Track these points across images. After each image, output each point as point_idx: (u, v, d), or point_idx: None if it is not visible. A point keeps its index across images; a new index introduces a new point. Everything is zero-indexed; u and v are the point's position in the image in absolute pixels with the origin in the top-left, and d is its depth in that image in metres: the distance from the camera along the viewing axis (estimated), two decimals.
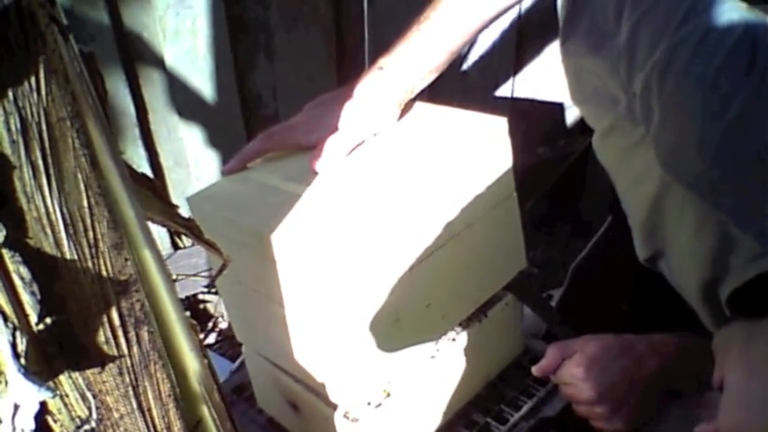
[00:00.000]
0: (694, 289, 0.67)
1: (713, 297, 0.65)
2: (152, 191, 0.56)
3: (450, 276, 0.86)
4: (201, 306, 1.67)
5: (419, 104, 0.92)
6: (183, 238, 1.57)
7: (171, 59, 1.33)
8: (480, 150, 0.83)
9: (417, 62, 0.86)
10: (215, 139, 1.48)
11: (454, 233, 0.83)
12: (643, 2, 0.65)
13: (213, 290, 1.58)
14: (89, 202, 0.42)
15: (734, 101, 0.58)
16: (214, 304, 1.67)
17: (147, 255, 0.50)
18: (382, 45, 0.88)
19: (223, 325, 1.61)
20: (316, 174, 0.80)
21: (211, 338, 1.59)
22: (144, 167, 1.43)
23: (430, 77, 0.89)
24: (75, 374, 0.44)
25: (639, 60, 0.62)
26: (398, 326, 0.82)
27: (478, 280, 0.90)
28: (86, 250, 0.43)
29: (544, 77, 1.84)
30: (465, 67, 1.71)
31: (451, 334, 0.90)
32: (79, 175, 0.41)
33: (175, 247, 1.58)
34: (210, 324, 1.62)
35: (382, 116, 0.86)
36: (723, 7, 0.61)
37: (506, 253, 0.93)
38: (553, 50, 1.79)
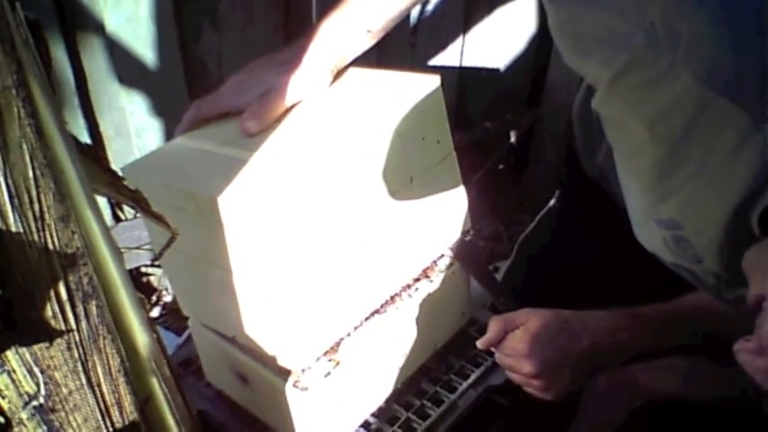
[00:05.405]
0: (719, 218, 0.65)
1: (741, 222, 0.64)
2: (97, 162, 0.54)
3: (395, 235, 0.86)
4: (144, 279, 1.65)
5: (353, 69, 0.91)
6: (125, 209, 1.54)
7: (112, 26, 1.29)
8: (415, 109, 0.83)
9: (352, 28, 0.86)
10: (158, 109, 1.45)
11: (394, 191, 0.84)
12: None
13: (156, 263, 1.56)
14: (34, 174, 0.41)
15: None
16: (157, 277, 1.64)
17: (95, 227, 0.49)
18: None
19: (167, 298, 1.60)
20: (248, 138, 0.79)
21: (155, 312, 1.57)
22: (83, 137, 1.39)
23: (366, 44, 0.89)
24: (23, 350, 0.43)
25: None
26: (345, 285, 0.82)
27: (424, 238, 0.91)
28: (32, 223, 0.42)
29: (493, 50, 1.85)
30: (413, 38, 1.71)
31: (399, 301, 0.91)
32: (24, 146, 0.40)
33: (117, 219, 1.55)
34: (154, 297, 1.60)
35: (313, 80, 0.85)
36: None
37: (449, 212, 0.94)
38: (501, 20, 1.80)
